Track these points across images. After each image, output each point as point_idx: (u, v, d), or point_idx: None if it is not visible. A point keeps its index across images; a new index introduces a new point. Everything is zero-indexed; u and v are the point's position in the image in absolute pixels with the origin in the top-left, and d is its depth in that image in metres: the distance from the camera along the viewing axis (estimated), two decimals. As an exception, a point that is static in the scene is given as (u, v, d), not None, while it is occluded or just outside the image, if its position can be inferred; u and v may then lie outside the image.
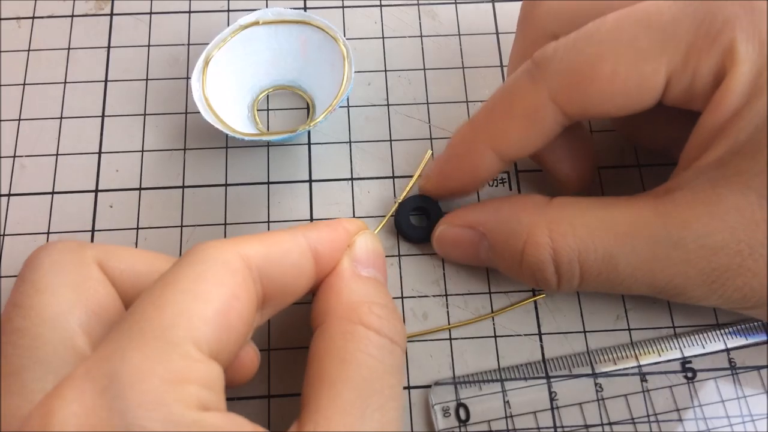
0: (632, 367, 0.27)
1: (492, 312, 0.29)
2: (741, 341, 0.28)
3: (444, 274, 0.30)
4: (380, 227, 0.30)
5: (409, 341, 0.28)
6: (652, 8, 0.23)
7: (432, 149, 0.32)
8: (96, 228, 0.30)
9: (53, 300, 0.21)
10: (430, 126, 0.33)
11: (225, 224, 0.31)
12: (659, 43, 0.23)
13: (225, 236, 0.30)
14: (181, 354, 0.18)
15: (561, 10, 0.27)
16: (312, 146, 0.32)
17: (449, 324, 0.29)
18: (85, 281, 0.22)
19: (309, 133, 0.32)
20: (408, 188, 0.31)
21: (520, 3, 0.35)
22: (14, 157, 0.32)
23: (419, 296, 0.29)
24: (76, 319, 0.21)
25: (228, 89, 0.32)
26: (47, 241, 0.30)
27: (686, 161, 0.24)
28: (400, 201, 0.30)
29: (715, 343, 0.28)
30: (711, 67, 0.22)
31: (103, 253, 0.23)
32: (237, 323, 0.20)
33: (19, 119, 0.33)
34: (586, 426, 0.26)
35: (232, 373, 0.23)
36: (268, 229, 0.30)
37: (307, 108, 0.33)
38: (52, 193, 0.31)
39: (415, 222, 0.30)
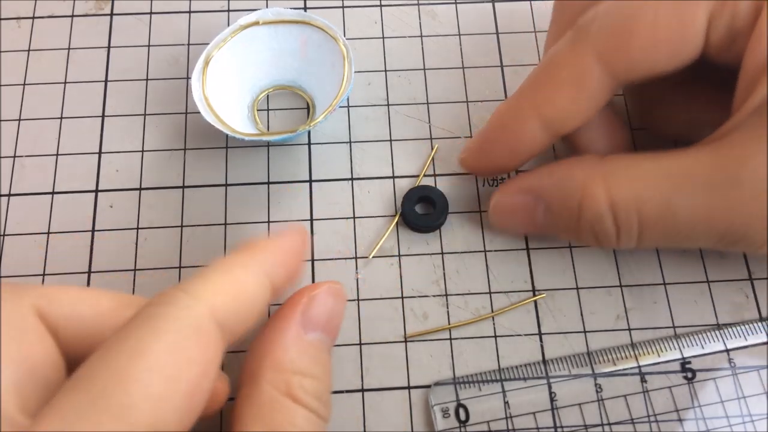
0: (632, 368, 0.27)
1: (492, 312, 0.29)
2: (741, 341, 0.28)
3: (444, 274, 0.30)
4: (382, 241, 0.30)
5: (409, 341, 0.28)
6: None
7: (432, 149, 0.32)
8: (96, 228, 0.31)
9: None
10: (430, 126, 0.33)
11: (225, 224, 0.31)
12: None
13: (225, 236, 0.30)
14: None
15: None
16: (312, 146, 0.32)
17: (449, 324, 0.29)
18: (20, 335, 0.20)
19: (309, 133, 0.32)
20: (418, 182, 0.31)
21: (521, 3, 0.35)
22: (14, 157, 0.32)
23: (419, 296, 0.29)
24: (8, 378, 0.19)
25: (228, 89, 0.32)
26: (47, 241, 0.30)
27: (738, 104, 0.24)
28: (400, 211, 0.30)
29: (714, 343, 0.28)
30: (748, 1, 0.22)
31: (43, 298, 0.21)
32: (202, 399, 0.19)
33: (19, 119, 0.33)
34: (586, 426, 0.26)
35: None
36: (268, 229, 0.30)
37: (307, 108, 0.33)
38: (52, 193, 0.31)
39: (421, 212, 0.30)
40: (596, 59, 0.24)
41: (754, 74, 0.23)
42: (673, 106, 0.28)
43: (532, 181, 0.27)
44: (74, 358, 0.20)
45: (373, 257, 0.30)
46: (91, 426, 0.16)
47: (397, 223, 0.30)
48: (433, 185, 0.31)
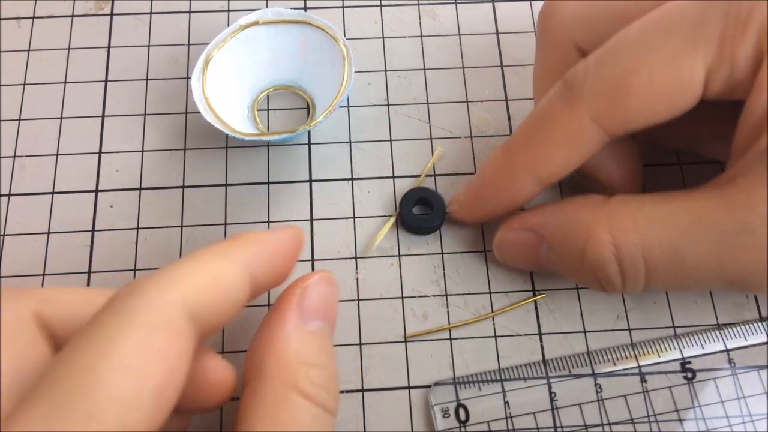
0: (632, 368, 0.27)
1: (492, 312, 0.29)
2: (741, 341, 0.28)
3: (444, 274, 0.30)
4: (379, 240, 0.30)
5: (409, 341, 0.28)
6: (675, 8, 0.23)
7: (432, 149, 0.32)
8: (96, 228, 0.31)
9: None
10: (430, 126, 0.33)
11: (225, 224, 0.31)
12: (691, 39, 0.22)
13: (225, 236, 0.30)
14: None
15: (577, 18, 0.26)
16: (312, 146, 0.32)
17: (449, 324, 0.29)
18: (16, 340, 0.19)
19: (309, 133, 0.32)
20: (419, 183, 0.31)
21: (521, 3, 0.35)
22: (14, 157, 0.32)
23: (419, 296, 0.29)
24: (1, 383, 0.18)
25: (228, 89, 0.32)
26: (47, 241, 0.30)
27: (740, 149, 0.23)
28: (397, 212, 0.30)
29: (714, 343, 0.28)
30: (748, 51, 0.22)
31: (42, 301, 0.21)
32: (172, 395, 0.18)
33: (19, 119, 0.33)
34: (586, 426, 0.26)
35: (197, 397, 0.21)
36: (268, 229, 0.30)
37: (307, 108, 0.33)
38: (52, 193, 0.31)
39: (419, 214, 0.30)
40: (592, 120, 0.24)
41: (758, 120, 0.23)
42: (678, 126, 0.28)
43: (536, 219, 0.27)
44: None
45: (372, 257, 0.30)
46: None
47: (396, 223, 0.30)
48: (433, 185, 0.31)
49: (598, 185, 0.28)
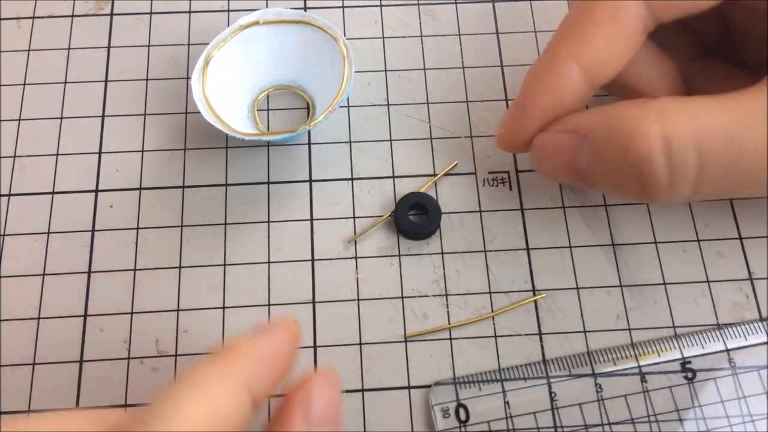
0: (632, 368, 0.27)
1: (492, 312, 0.29)
2: (741, 341, 0.28)
3: (444, 274, 0.30)
4: (370, 228, 0.30)
5: (409, 341, 0.28)
6: None
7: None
8: (96, 228, 0.30)
9: None
10: (430, 126, 0.33)
11: (225, 224, 0.31)
12: None
13: (225, 236, 0.30)
14: None
15: None
16: (312, 146, 0.32)
17: (449, 324, 0.29)
18: None
19: (309, 133, 0.32)
20: (429, 183, 0.31)
21: (521, 3, 0.35)
22: (14, 157, 0.32)
23: (419, 296, 0.29)
24: None
25: (228, 89, 0.32)
26: (47, 241, 0.30)
27: None
28: (393, 213, 0.30)
29: (714, 343, 0.28)
30: None
31: None
32: None
33: (19, 119, 0.33)
34: (586, 426, 0.26)
35: None
36: (268, 229, 0.30)
37: (307, 108, 0.33)
38: (52, 193, 0.31)
39: (414, 219, 0.30)
40: None
41: None
42: (691, 81, 0.27)
43: (580, 119, 0.24)
44: None
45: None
46: None
47: (394, 223, 0.30)
48: (433, 186, 0.31)
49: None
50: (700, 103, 0.22)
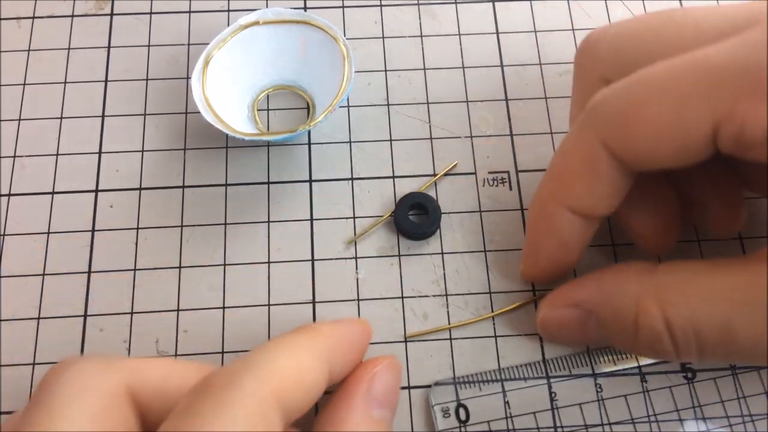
0: (632, 368, 0.27)
1: (492, 312, 0.29)
2: (741, 341, 0.28)
3: (444, 274, 0.30)
4: (369, 231, 0.30)
5: (409, 341, 0.28)
6: (703, 54, 0.22)
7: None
8: (96, 228, 0.30)
9: None
10: (430, 126, 0.33)
11: (225, 224, 0.31)
12: (705, 89, 0.21)
13: (225, 236, 0.30)
14: None
15: (611, 57, 0.26)
16: (312, 146, 0.32)
17: (449, 324, 0.29)
18: (108, 416, 0.19)
19: (309, 133, 0.32)
20: (428, 183, 0.31)
21: (521, 3, 0.35)
22: (14, 157, 0.32)
23: (419, 296, 0.29)
24: None
25: (228, 89, 0.32)
26: (47, 241, 0.30)
27: None
28: (392, 213, 0.30)
29: (715, 343, 0.28)
30: (761, 116, 0.20)
31: (133, 373, 0.21)
32: None
33: (19, 119, 0.33)
34: (586, 426, 0.26)
35: None
36: (268, 229, 0.30)
37: (307, 108, 0.33)
38: (52, 193, 0.31)
39: (414, 219, 0.30)
40: (602, 144, 0.23)
41: None
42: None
43: (580, 293, 0.26)
44: None
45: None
46: None
47: (394, 223, 0.30)
48: (433, 186, 0.31)
49: (633, 235, 0.28)
50: (698, 283, 0.23)
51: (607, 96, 0.23)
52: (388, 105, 0.33)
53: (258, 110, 0.33)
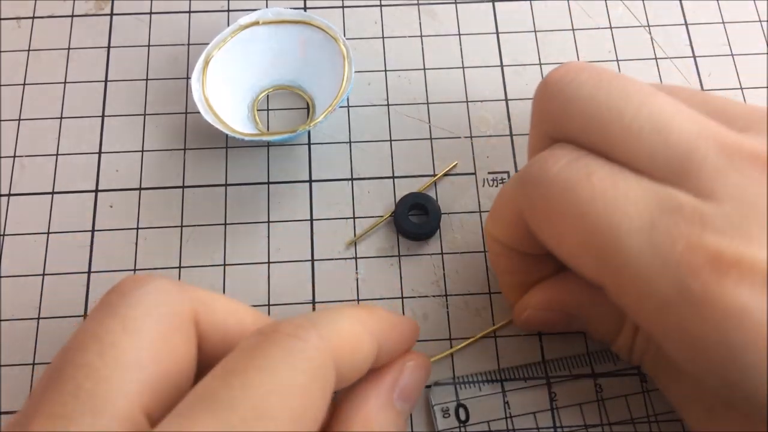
0: (632, 368, 0.27)
1: (494, 326, 0.29)
2: (741, 341, 0.28)
3: (444, 274, 0.30)
4: (368, 232, 0.30)
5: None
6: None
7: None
8: (96, 228, 0.31)
9: (137, 348, 0.19)
10: (430, 126, 0.33)
11: (225, 224, 0.31)
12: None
13: (225, 236, 0.30)
14: None
15: (559, 126, 0.23)
16: (312, 146, 0.32)
17: (451, 347, 0.29)
18: (175, 336, 0.20)
19: (309, 133, 0.32)
20: (428, 183, 0.31)
21: (521, 3, 0.35)
22: (14, 157, 0.32)
23: (419, 296, 0.29)
24: (150, 376, 0.19)
25: (228, 89, 0.32)
26: (47, 241, 0.30)
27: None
28: (391, 213, 0.30)
29: (714, 343, 0.28)
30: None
31: (202, 303, 0.21)
32: None
33: (19, 119, 0.33)
34: (586, 426, 0.26)
35: None
36: (268, 229, 0.30)
37: (307, 108, 0.33)
38: (52, 193, 0.31)
39: (414, 219, 0.30)
40: (514, 206, 0.24)
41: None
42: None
43: (568, 301, 0.26)
44: (207, 367, 0.19)
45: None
46: None
47: (394, 223, 0.30)
48: (433, 185, 0.31)
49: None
50: None
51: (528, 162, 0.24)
52: (388, 105, 0.33)
53: (258, 110, 0.33)
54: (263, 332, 0.19)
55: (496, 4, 0.36)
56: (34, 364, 0.28)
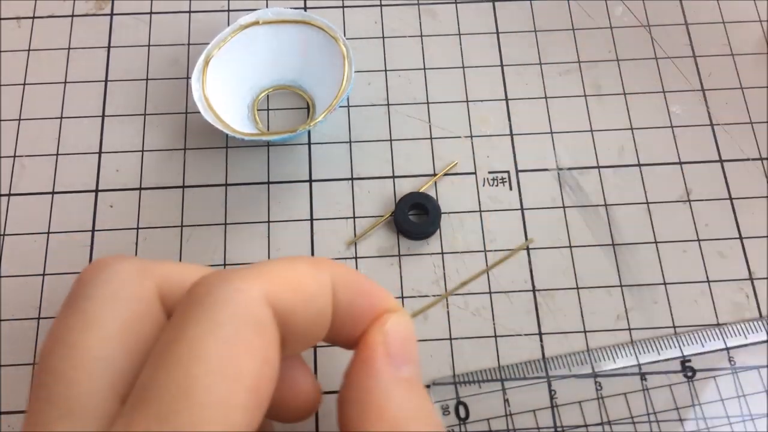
0: (632, 366, 0.27)
1: (487, 266, 0.29)
2: (741, 340, 0.28)
3: (444, 274, 0.30)
4: (369, 232, 0.30)
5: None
6: None
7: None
8: (96, 228, 0.30)
9: (102, 340, 0.18)
10: (430, 126, 0.33)
11: (225, 224, 0.31)
12: None
13: (225, 236, 0.30)
14: None
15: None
16: (312, 146, 0.32)
17: (446, 290, 0.29)
18: (141, 321, 0.19)
19: (309, 133, 0.32)
20: (428, 183, 0.31)
21: (521, 3, 0.35)
22: (14, 157, 0.32)
23: (419, 296, 0.29)
24: (121, 365, 0.18)
25: (228, 89, 0.32)
26: (47, 241, 0.30)
27: None
28: (390, 214, 0.30)
29: (714, 341, 0.28)
30: None
31: (166, 278, 0.20)
32: (268, 391, 0.17)
33: (19, 119, 0.33)
34: (586, 425, 0.26)
35: (281, 404, 0.21)
36: (268, 229, 0.30)
37: (307, 108, 0.33)
38: (52, 193, 0.31)
39: (414, 219, 0.30)
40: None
41: None
42: None
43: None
44: None
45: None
46: None
47: (394, 223, 0.30)
48: (433, 185, 0.31)
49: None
50: None
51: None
52: (388, 105, 0.33)
53: (258, 110, 0.33)
54: (183, 299, 0.18)
55: (496, 4, 0.36)
56: (34, 364, 0.28)
